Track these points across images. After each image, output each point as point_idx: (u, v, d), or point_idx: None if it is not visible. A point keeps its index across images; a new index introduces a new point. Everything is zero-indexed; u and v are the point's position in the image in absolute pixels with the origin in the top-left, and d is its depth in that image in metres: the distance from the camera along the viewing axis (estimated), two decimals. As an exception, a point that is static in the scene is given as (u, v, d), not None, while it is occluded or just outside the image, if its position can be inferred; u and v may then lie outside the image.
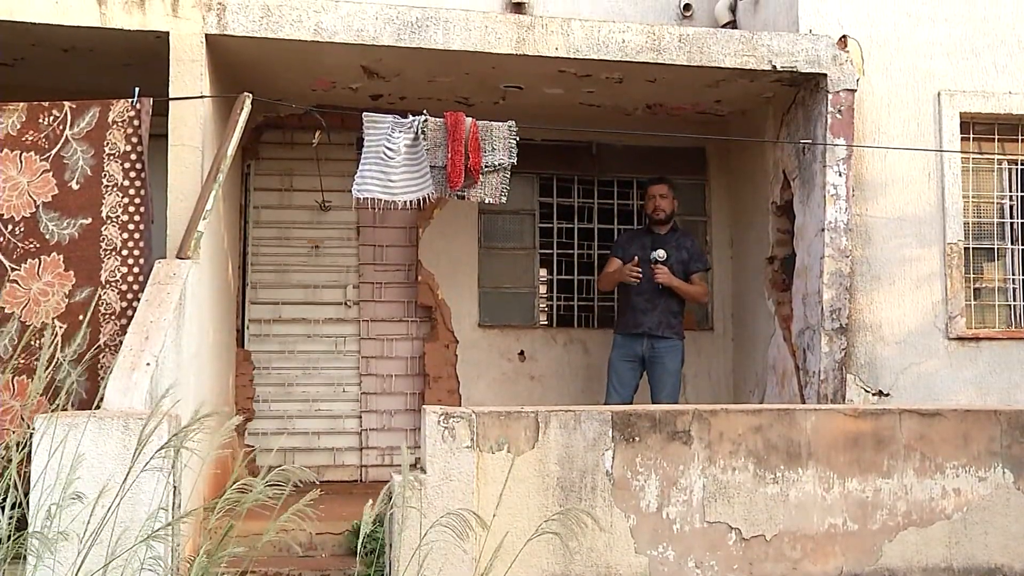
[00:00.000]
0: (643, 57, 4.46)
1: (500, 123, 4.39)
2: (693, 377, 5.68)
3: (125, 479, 2.26)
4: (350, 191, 4.31)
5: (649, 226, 5.07)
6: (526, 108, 5.11)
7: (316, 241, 5.42)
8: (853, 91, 4.68)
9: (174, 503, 3.03)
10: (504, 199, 4.42)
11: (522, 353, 5.55)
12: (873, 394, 4.69)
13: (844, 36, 4.77)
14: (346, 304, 5.42)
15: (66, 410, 3.19)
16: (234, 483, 2.29)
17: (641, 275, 4.84)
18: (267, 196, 5.45)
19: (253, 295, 5.38)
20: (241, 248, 5.32)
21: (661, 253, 4.86)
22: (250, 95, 4.07)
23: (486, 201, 4.41)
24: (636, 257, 4.88)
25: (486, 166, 4.33)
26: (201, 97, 4.09)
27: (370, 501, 2.31)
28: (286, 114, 5.22)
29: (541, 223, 5.71)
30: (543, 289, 5.72)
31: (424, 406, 3.44)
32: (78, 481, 2.43)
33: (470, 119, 4.35)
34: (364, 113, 4.37)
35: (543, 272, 5.75)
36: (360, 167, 4.29)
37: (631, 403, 4.81)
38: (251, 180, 5.39)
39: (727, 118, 5.54)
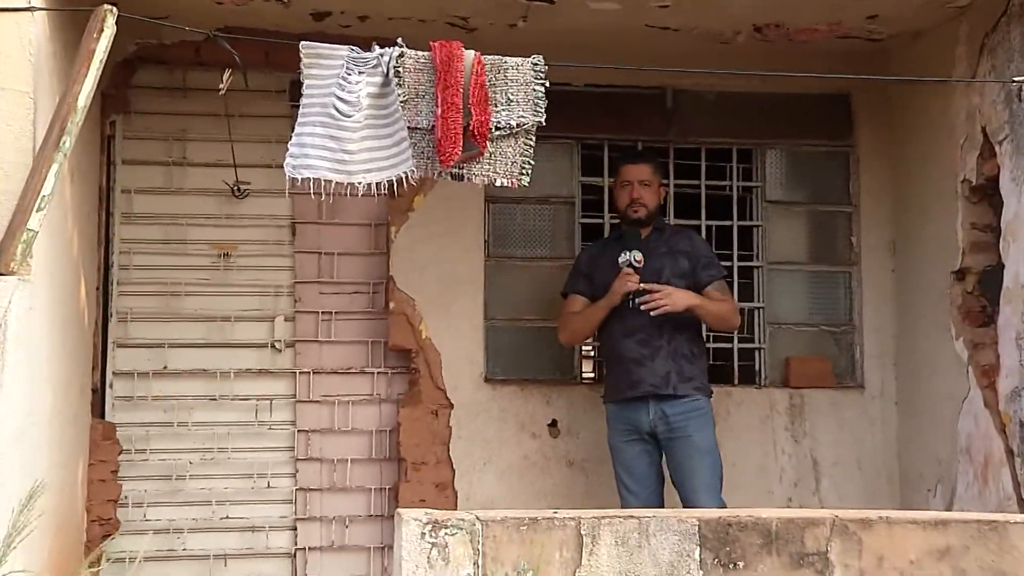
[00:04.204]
0: (750, -54, 4.46)
1: (519, 59, 4.26)
2: (831, 465, 5.61)
3: None
4: (281, 167, 4.18)
5: (623, 230, 5.16)
6: (560, 35, 5.03)
7: (226, 246, 5.38)
8: (1116, -14, 4.54)
9: None
10: (526, 180, 4.30)
11: (555, 423, 5.51)
12: None
13: None
14: (274, 347, 5.38)
15: None
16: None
17: (638, 292, 4.92)
18: (145, 174, 5.38)
19: (121, 333, 5.31)
20: (102, 258, 5.26)
21: (636, 255, 4.95)
22: (113, 9, 3.87)
23: (497, 183, 4.31)
24: (633, 270, 4.94)
25: (497, 127, 4.23)
26: (30, 9, 3.91)
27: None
28: (174, 42, 5.15)
29: (584, 217, 5.70)
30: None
31: (400, 510, 3.35)
32: None
33: (471, 52, 4.22)
34: (303, 43, 4.21)
35: (587, 296, 5.55)
36: (297, 129, 4.17)
37: (662, 507, 4.88)
38: (117, 148, 5.33)
39: (888, 45, 5.44)
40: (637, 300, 4.86)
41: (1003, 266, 4.76)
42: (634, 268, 4.90)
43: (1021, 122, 4.66)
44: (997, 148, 4.79)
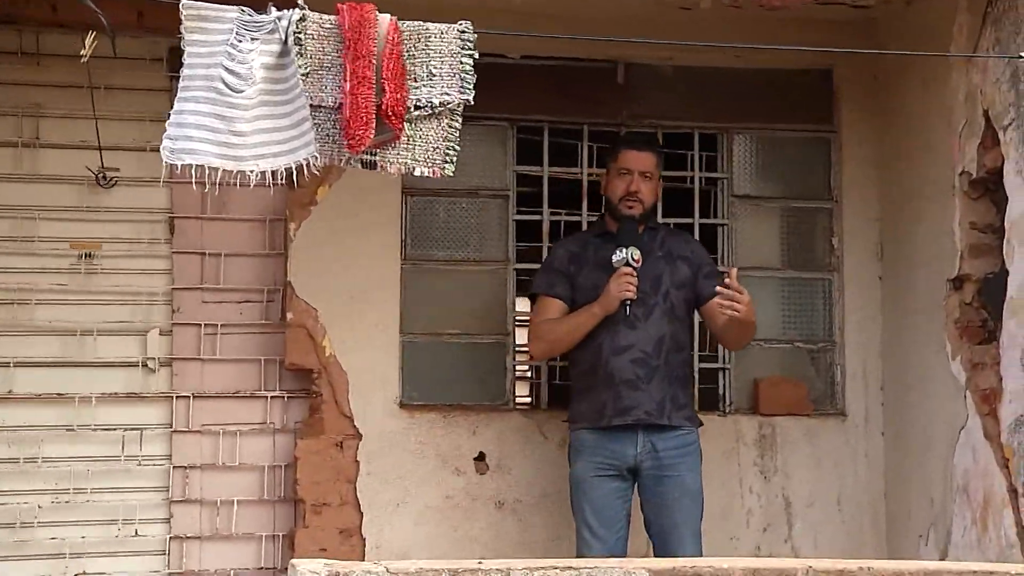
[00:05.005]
0: None
1: (444, 25, 4.23)
2: (806, 507, 5.69)
3: None
4: (157, 151, 4.13)
5: (612, 226, 5.10)
6: (492, -1, 5.15)
7: (88, 245, 5.38)
8: None
9: None
10: (450, 168, 4.26)
11: (482, 457, 5.53)
12: None
13: None
14: (146, 366, 5.38)
15: None
16: None
17: (634, 296, 4.88)
18: (-11, 157, 5.31)
19: (-46, 349, 5.22)
20: (-67, 258, 5.20)
21: (634, 252, 4.89)
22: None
23: (416, 172, 4.27)
24: (631, 270, 4.89)
25: (416, 106, 4.20)
26: None
27: None
28: (26, -2, 5.09)
29: (520, 213, 5.74)
30: (523, 339, 5.60)
31: (294, 560, 3.22)
32: None
33: (386, 17, 4.17)
34: (184, 1, 4.17)
35: (523, 306, 5.71)
36: (176, 106, 4.10)
37: (624, 555, 4.89)
38: (-46, 125, 5.27)
39: (876, 13, 5.55)
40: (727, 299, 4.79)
41: (1007, 273, 4.73)
42: (631, 267, 4.86)
43: (1028, 104, 4.80)
44: (1001, 135, 4.75)
